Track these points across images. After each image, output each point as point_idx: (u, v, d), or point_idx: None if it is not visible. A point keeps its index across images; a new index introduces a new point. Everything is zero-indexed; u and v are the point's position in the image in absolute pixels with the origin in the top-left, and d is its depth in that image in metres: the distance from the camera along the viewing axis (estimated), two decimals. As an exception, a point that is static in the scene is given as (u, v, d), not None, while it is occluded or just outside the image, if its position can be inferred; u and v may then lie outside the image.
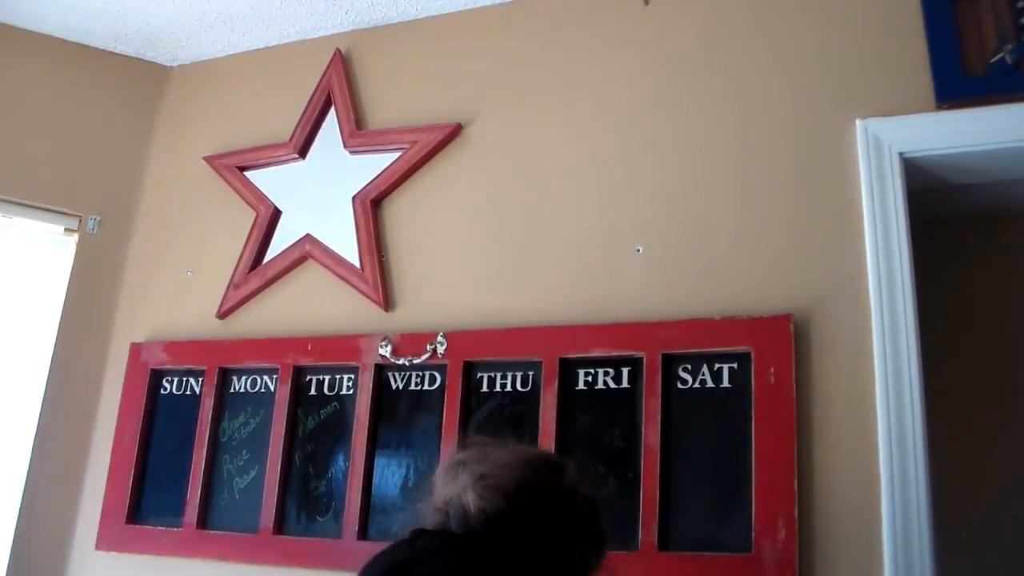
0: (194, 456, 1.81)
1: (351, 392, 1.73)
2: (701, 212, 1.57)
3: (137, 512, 1.83)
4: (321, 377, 1.78)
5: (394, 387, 1.71)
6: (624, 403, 1.51)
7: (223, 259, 1.96)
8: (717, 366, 1.47)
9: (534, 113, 1.78)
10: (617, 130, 1.69)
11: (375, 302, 1.78)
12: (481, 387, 1.64)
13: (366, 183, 1.86)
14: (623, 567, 1.41)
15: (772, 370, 1.41)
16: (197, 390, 1.88)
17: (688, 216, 1.58)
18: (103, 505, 1.86)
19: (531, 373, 1.60)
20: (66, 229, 2.04)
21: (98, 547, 1.83)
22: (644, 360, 1.51)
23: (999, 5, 1.44)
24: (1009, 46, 1.41)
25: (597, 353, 1.55)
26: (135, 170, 2.15)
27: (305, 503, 1.71)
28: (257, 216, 1.96)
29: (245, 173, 2.01)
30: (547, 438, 1.53)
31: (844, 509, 1.33)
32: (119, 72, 2.17)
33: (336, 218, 1.86)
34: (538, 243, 1.69)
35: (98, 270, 2.05)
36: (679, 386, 1.49)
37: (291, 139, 1.97)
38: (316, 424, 1.75)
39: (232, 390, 1.86)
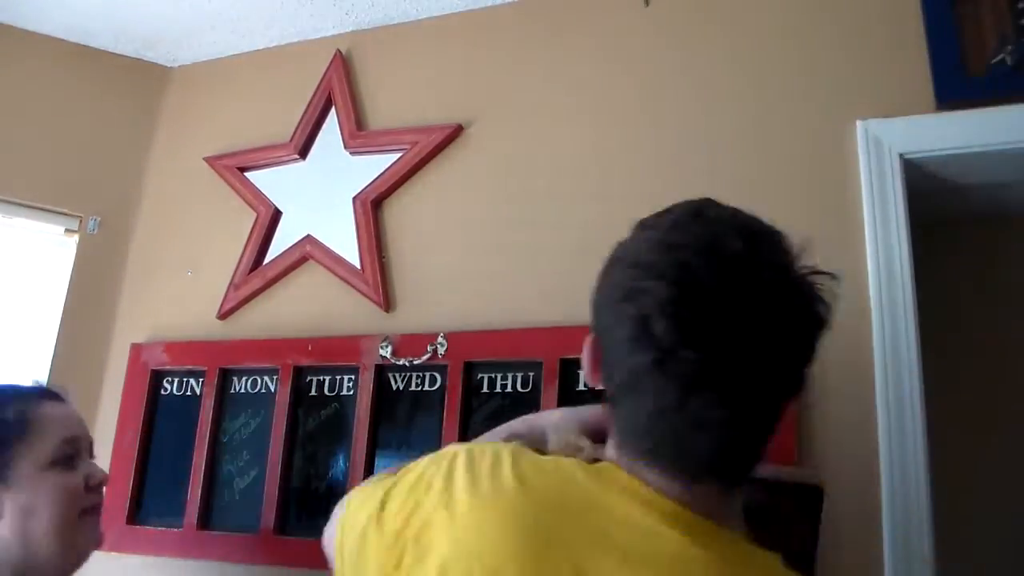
0: (194, 457, 1.80)
1: (351, 393, 1.73)
2: (701, 213, 1.57)
3: (138, 513, 1.83)
4: (321, 378, 1.78)
5: (394, 388, 1.71)
6: (625, 404, 1.51)
7: (223, 259, 1.96)
8: (717, 367, 1.47)
9: (535, 114, 1.78)
10: (617, 130, 1.69)
11: (375, 303, 1.78)
12: (481, 388, 1.64)
13: (367, 184, 1.86)
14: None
15: (772, 371, 1.40)
16: (197, 391, 1.88)
17: (688, 217, 1.58)
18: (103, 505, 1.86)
19: (531, 374, 1.60)
20: (66, 230, 2.04)
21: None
22: (645, 361, 1.50)
23: (999, 6, 1.44)
24: (1010, 47, 1.41)
25: (598, 354, 1.55)
26: (135, 170, 2.14)
27: (306, 504, 1.71)
28: (257, 217, 1.96)
29: (245, 174, 2.01)
30: (548, 439, 1.53)
31: (844, 509, 1.33)
32: (119, 72, 2.17)
33: (337, 219, 1.86)
34: (538, 243, 1.69)
35: (98, 270, 2.05)
36: (679, 387, 1.48)
37: (291, 140, 1.97)
38: (316, 424, 1.76)
39: (232, 391, 1.85)
